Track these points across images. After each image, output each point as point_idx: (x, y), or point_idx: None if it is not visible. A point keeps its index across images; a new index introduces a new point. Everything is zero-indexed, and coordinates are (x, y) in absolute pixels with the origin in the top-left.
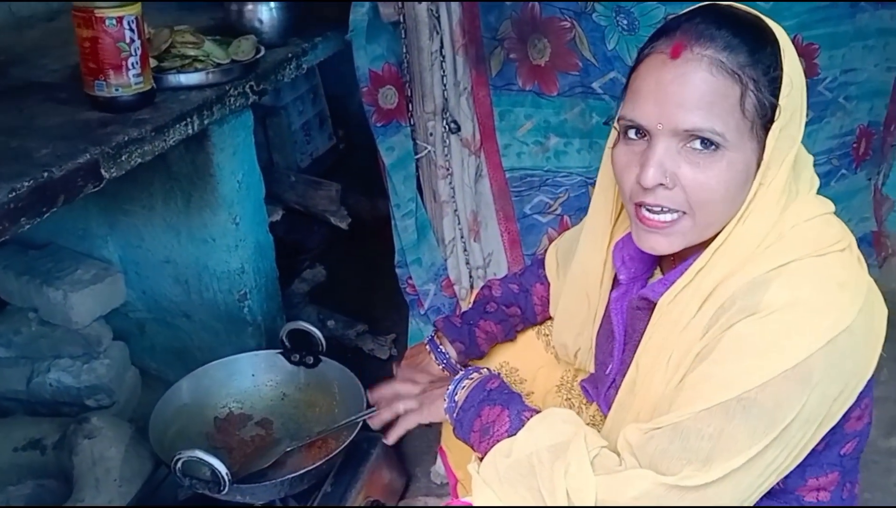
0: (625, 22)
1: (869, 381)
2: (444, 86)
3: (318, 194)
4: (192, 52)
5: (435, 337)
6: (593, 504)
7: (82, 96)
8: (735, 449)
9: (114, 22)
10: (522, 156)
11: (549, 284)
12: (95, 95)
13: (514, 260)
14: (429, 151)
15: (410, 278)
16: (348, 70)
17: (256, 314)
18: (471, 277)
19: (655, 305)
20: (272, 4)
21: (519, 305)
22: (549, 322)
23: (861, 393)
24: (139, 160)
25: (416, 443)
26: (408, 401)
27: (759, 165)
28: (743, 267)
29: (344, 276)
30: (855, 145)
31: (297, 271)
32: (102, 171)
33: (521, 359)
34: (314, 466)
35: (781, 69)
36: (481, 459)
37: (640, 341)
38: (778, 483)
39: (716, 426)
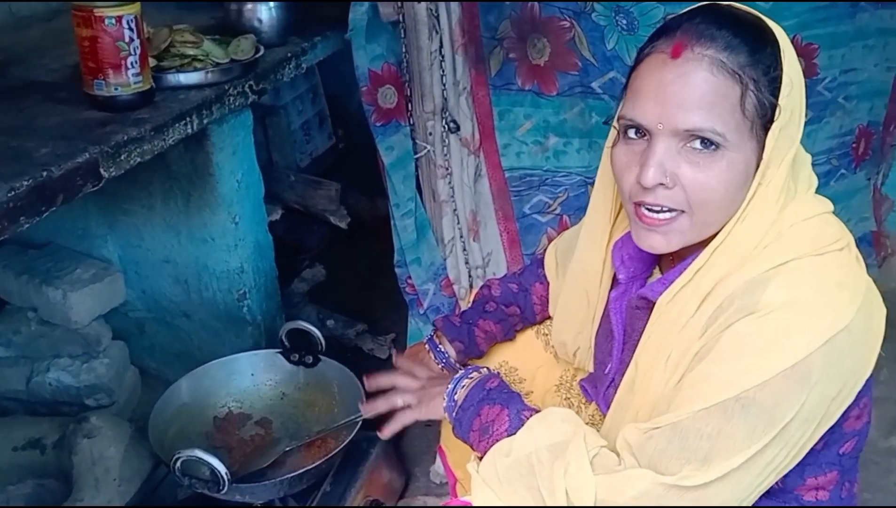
0: (624, 22)
1: (868, 380)
2: (444, 85)
3: (318, 193)
4: (191, 52)
5: (434, 336)
6: (592, 504)
7: (82, 96)
8: (734, 449)
9: (113, 21)
10: (522, 155)
11: (548, 283)
12: (95, 95)
13: (513, 260)
14: (428, 151)
15: (410, 277)
16: (348, 69)
17: (256, 314)
18: (470, 276)
19: (654, 304)
20: (271, 4)
21: (518, 304)
22: (548, 322)
23: (860, 392)
24: (138, 160)
25: (416, 443)
26: (406, 395)
27: (758, 165)
28: (742, 266)
29: (343, 275)
30: (854, 145)
31: (296, 270)
32: (102, 170)
33: (521, 358)
34: (313, 465)
35: (781, 69)
36: (480, 458)
37: (639, 340)
38: (777, 483)
39: (714, 426)
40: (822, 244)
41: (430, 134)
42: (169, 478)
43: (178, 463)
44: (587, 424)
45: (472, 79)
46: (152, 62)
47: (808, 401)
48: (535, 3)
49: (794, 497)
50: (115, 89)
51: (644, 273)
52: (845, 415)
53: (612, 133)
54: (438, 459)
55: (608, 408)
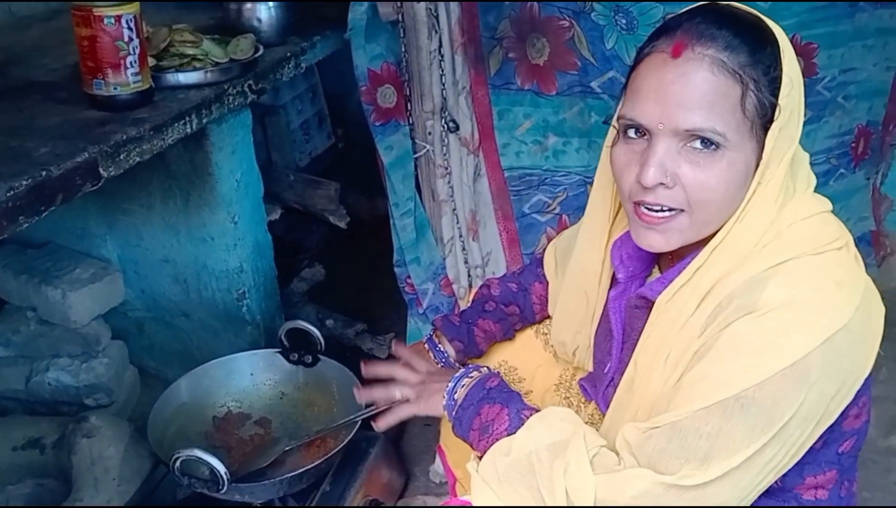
0: (623, 21)
1: (867, 379)
2: (443, 85)
3: (317, 193)
4: (190, 51)
5: (433, 336)
6: (592, 503)
7: (81, 95)
8: (733, 448)
9: (112, 21)
10: (521, 155)
11: (547, 283)
12: (94, 94)
13: (512, 259)
14: (427, 151)
15: (409, 277)
16: (347, 69)
17: (255, 313)
18: (469, 276)
19: (653, 303)
20: (271, 3)
21: (517, 304)
22: (547, 321)
23: (859, 391)
24: (137, 159)
25: (415, 442)
26: (405, 389)
27: (757, 164)
28: (741, 265)
29: (343, 275)
30: (854, 145)
31: (295, 270)
32: (101, 170)
33: (520, 358)
34: (313, 465)
35: (781, 69)
36: (480, 458)
37: (638, 339)
38: (776, 482)
39: (714, 425)
40: (821, 243)
41: (430, 134)
42: (168, 478)
43: (178, 463)
44: (586, 423)
45: (472, 78)
46: (151, 62)
47: (807, 400)
48: (535, 2)
49: (793, 496)
50: (115, 89)
51: (643, 272)
52: (844, 414)
53: (612, 133)
54: (438, 458)
55: (607, 407)
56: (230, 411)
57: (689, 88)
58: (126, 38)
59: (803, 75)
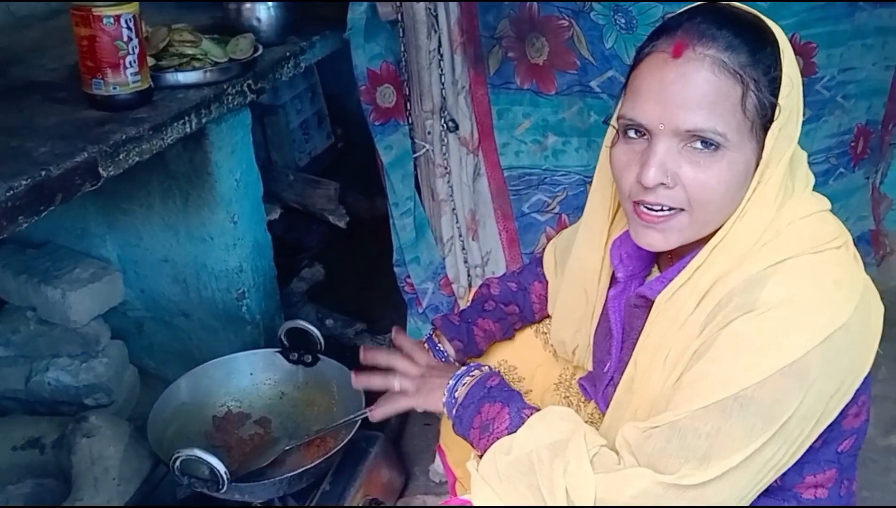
0: (623, 20)
1: (866, 378)
2: (443, 84)
3: (317, 192)
4: (189, 51)
5: (433, 335)
6: (592, 503)
7: (80, 95)
8: (732, 447)
9: (111, 20)
10: (521, 155)
11: (547, 282)
12: (93, 94)
13: (512, 259)
14: (427, 150)
15: (409, 276)
16: (346, 69)
17: (255, 313)
18: (469, 275)
19: (653, 302)
20: (270, 3)
21: (517, 303)
22: (547, 321)
23: (858, 390)
24: (137, 159)
25: (415, 442)
26: (404, 381)
27: (757, 164)
28: (740, 264)
29: (342, 275)
30: (853, 144)
31: (295, 269)
32: (100, 169)
33: (520, 357)
34: (313, 465)
35: (781, 69)
36: (480, 457)
37: (637, 338)
38: (776, 481)
39: (713, 425)
40: (820, 242)
41: (429, 133)
42: (168, 477)
43: (178, 463)
44: (586, 423)
45: (471, 78)
46: (151, 61)
47: (807, 399)
48: (534, 2)
49: (792, 495)
50: (114, 89)
51: (643, 272)
52: (844, 413)
53: (611, 132)
54: (438, 458)
55: (607, 407)
56: (230, 410)
57: (690, 88)
58: (125, 38)
59: (802, 75)
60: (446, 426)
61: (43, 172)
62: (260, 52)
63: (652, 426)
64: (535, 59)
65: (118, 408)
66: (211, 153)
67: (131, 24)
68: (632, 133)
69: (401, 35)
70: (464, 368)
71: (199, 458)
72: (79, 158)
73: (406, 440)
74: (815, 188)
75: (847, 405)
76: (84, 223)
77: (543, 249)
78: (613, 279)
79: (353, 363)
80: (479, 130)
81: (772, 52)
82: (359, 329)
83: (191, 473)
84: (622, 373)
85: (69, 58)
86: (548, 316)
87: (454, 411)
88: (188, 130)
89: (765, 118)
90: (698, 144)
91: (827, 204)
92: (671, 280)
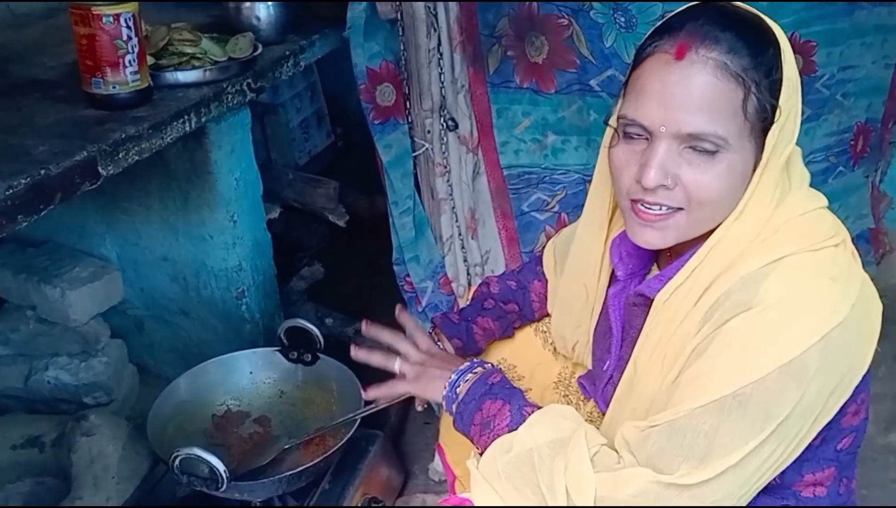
0: (622, 19)
1: (865, 376)
2: (442, 83)
3: (316, 191)
4: (189, 50)
5: (433, 334)
6: (592, 502)
7: (80, 94)
8: (731, 446)
9: (111, 19)
10: (520, 153)
11: (546, 281)
12: (93, 93)
13: (511, 257)
14: (426, 149)
15: (408, 275)
16: (346, 68)
17: (254, 312)
18: (468, 274)
19: (652, 301)
20: (270, 2)
21: (517, 301)
22: (546, 319)
23: (857, 388)
24: (136, 158)
25: (415, 440)
26: (405, 365)
27: (755, 164)
28: (738, 262)
29: (342, 273)
30: (852, 142)
31: (295, 268)
32: (100, 168)
33: (519, 356)
34: (312, 463)
35: (782, 71)
36: (480, 454)
37: (637, 337)
38: (775, 479)
39: (712, 423)
40: (818, 240)
41: (429, 132)
42: (168, 476)
43: (177, 461)
44: (586, 421)
45: (471, 77)
46: (150, 60)
47: (805, 397)
48: (534, 1)
49: (791, 494)
50: (113, 87)
51: (642, 270)
52: (842, 411)
53: (609, 132)
54: (437, 456)
55: (606, 405)
56: (229, 409)
57: (692, 91)
58: (125, 37)
59: (802, 73)
60: (446, 425)
61: (42, 171)
62: (259, 50)
63: (651, 425)
64: (534, 57)
65: (118, 407)
66: (210, 152)
67: (131, 23)
68: (632, 133)
69: (400, 34)
70: (466, 364)
71: (199, 457)
72: (78, 156)
73: (405, 438)
74: (815, 187)
75: (846, 403)
76: (83, 222)
77: (543, 247)
78: (613, 278)
79: (353, 361)
80: (479, 129)
81: (773, 54)
82: (358, 328)
83: (190, 472)
84: (622, 372)
85: (68, 56)
86: (547, 315)
87: (455, 406)
88: (188, 129)
89: (765, 120)
90: (699, 147)
91: (824, 201)
92: (670, 279)
